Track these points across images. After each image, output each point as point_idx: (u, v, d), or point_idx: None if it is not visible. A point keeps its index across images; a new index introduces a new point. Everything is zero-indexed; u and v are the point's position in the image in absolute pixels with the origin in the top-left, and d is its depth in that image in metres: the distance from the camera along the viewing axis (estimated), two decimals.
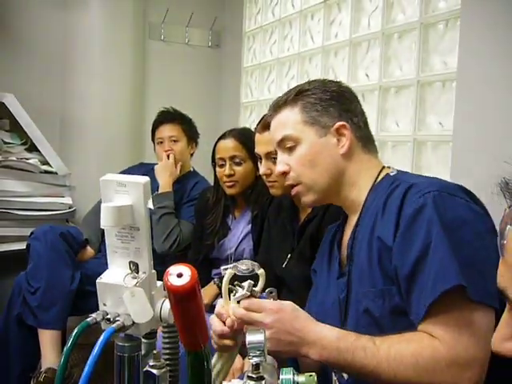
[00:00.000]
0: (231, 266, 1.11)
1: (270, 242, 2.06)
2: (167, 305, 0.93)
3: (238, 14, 3.75)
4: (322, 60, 2.93)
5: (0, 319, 2.46)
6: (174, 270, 0.71)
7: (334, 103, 1.26)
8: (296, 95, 1.28)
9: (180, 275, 0.70)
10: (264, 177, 1.88)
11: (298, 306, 1.11)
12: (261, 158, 1.89)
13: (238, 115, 3.73)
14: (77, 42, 3.40)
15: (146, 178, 0.95)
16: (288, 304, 1.09)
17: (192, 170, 3.03)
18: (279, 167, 1.30)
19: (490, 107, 1.94)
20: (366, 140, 1.29)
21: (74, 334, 0.85)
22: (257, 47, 3.63)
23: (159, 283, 0.97)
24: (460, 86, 2.09)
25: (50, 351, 2.35)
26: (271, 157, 1.83)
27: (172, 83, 3.76)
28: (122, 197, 0.94)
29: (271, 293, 1.07)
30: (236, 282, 1.09)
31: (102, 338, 0.83)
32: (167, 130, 2.88)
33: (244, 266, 1.08)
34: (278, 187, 1.85)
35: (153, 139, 2.98)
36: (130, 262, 0.94)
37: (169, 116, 2.93)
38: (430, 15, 2.27)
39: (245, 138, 2.31)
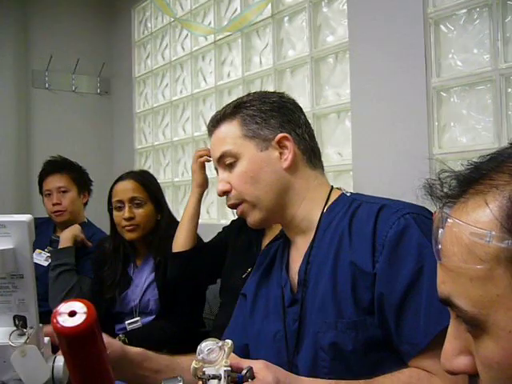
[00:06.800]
0: (199, 358, 0.89)
1: (233, 256, 1.97)
2: (60, 362, 0.79)
3: (127, 59, 3.68)
4: (216, 100, 2.91)
5: None
6: (64, 307, 0.57)
7: (274, 114, 1.17)
8: (234, 108, 1.18)
9: (73, 313, 0.57)
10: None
11: (276, 370, 0.94)
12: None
13: (133, 162, 3.60)
14: None
15: (30, 216, 0.85)
16: (268, 380, 0.91)
17: (86, 221, 2.84)
18: (220, 186, 1.19)
19: (384, 135, 1.98)
20: (311, 153, 1.19)
21: None
22: (148, 91, 3.56)
23: (47, 339, 0.87)
24: (354, 116, 2.13)
25: None
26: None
27: (60, 132, 3.58)
28: (1, 240, 0.82)
29: (247, 372, 0.90)
30: (206, 372, 0.88)
31: None
32: (55, 181, 2.69)
33: (210, 354, 0.89)
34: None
35: (41, 192, 2.77)
36: (14, 317, 0.80)
37: (56, 165, 2.74)
38: (320, 49, 2.31)
39: (144, 179, 2.19)
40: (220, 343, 0.88)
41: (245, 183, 1.15)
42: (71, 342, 0.58)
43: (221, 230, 2.07)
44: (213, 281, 2.13)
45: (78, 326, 0.56)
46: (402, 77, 1.92)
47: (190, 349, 1.47)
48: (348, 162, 2.15)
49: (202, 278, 2.03)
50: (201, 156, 1.92)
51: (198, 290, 2.22)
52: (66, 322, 0.56)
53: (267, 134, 1.15)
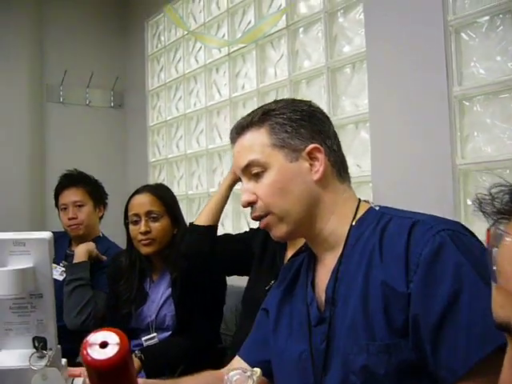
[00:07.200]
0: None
1: (259, 267, 1.95)
2: None
3: (141, 72, 3.67)
4: (230, 112, 2.88)
5: None
6: (95, 337, 0.53)
7: (304, 124, 1.11)
8: (263, 115, 1.13)
9: (104, 345, 0.53)
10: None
11: None
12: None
13: (146, 175, 3.58)
14: None
15: (49, 233, 0.81)
16: None
17: (101, 235, 2.81)
18: (245, 197, 1.13)
19: (404, 145, 1.95)
20: (340, 165, 1.14)
21: None
22: (162, 104, 3.54)
23: (63, 360, 0.82)
24: (373, 126, 2.09)
25: None
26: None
27: (75, 146, 3.58)
28: (20, 258, 0.78)
29: None
30: None
31: None
32: (71, 195, 2.67)
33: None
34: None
35: (56, 205, 2.75)
36: (34, 338, 0.76)
37: (71, 179, 2.72)
38: (336, 59, 2.28)
39: (161, 192, 2.17)
40: (248, 372, 0.84)
41: (273, 195, 1.09)
42: (103, 376, 0.53)
43: None
44: (228, 271, 2.12)
45: (110, 358, 0.51)
46: (422, 86, 1.88)
47: (207, 365, 1.44)
48: (367, 174, 2.11)
49: (216, 259, 1.99)
50: None
51: (213, 284, 2.19)
52: (97, 354, 0.52)
53: (298, 144, 1.10)
